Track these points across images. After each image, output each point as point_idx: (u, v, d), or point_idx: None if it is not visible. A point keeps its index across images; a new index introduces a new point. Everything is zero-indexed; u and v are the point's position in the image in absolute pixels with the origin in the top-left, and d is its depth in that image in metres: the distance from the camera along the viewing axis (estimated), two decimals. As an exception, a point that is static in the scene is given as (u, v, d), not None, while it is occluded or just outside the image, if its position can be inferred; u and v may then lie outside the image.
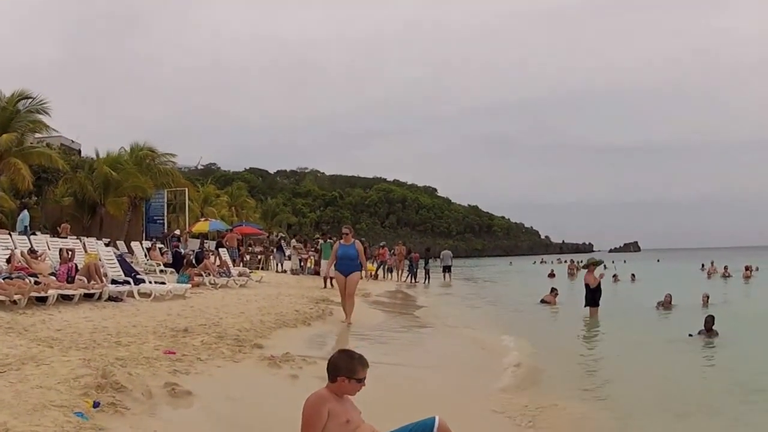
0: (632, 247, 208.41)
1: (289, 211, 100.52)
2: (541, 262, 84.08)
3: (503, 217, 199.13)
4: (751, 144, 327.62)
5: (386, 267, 35.75)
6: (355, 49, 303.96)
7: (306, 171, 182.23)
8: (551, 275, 44.62)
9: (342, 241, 15.47)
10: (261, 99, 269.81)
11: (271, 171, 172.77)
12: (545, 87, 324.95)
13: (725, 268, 42.46)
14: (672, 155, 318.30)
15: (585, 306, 18.82)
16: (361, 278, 16.08)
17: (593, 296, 18.55)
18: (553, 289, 23.13)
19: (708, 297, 21.47)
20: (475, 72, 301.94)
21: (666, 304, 20.52)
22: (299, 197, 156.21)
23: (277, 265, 34.61)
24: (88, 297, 14.33)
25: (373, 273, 34.82)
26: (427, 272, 36.77)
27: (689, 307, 20.79)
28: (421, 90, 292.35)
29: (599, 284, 18.49)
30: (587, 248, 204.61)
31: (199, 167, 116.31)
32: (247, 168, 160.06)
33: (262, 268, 33.30)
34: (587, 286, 18.65)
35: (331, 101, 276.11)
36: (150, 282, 17.29)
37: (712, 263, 46.75)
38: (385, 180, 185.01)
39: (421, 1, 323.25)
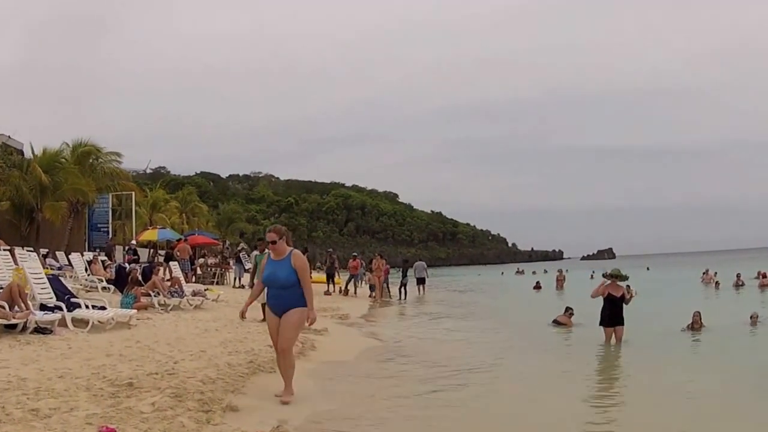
0: (607, 254, 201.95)
1: (243, 218, 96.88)
2: (517, 272, 79.78)
3: (468, 224, 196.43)
4: (731, 147, 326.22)
5: (356, 280, 32.51)
6: (315, 53, 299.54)
7: (260, 175, 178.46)
8: (537, 287, 42.16)
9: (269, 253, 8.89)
10: (213, 103, 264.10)
11: (223, 175, 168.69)
12: (512, 91, 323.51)
13: (738, 276, 38.95)
14: (643, 160, 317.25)
15: (600, 324, 15.54)
16: (308, 324, 8.89)
17: (612, 312, 15.32)
18: (567, 309, 19.88)
19: (757, 316, 18.67)
20: (438, 76, 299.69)
21: (695, 325, 17.59)
22: (253, 203, 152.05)
23: (235, 279, 31.42)
24: (9, 328, 11.45)
25: (343, 288, 31.72)
26: (404, 286, 33.70)
27: (724, 329, 18.12)
28: (382, 94, 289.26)
29: (623, 299, 15.39)
30: (557, 256, 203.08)
31: (148, 171, 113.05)
32: (198, 172, 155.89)
33: (218, 283, 30.10)
34: (610, 300, 15.33)
35: (287, 106, 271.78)
36: (87, 306, 14.11)
37: (707, 271, 43.81)
38: (343, 185, 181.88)
39: (386, 4, 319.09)
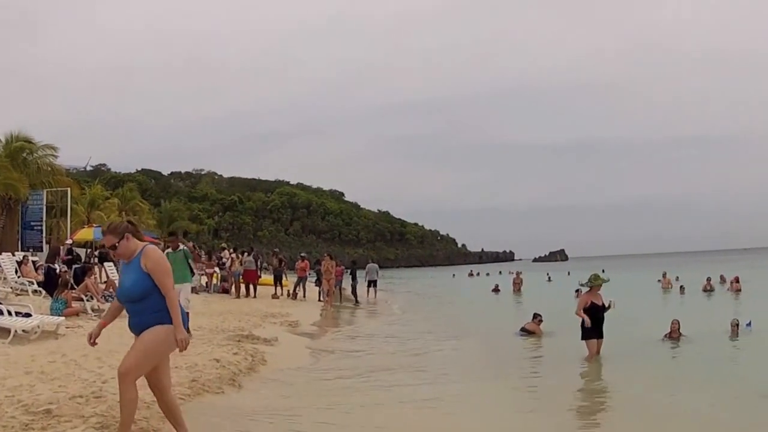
0: (559, 256, 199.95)
1: (185, 216, 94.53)
2: (470, 275, 78.60)
3: (417, 224, 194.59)
4: (684, 143, 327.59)
5: (305, 284, 31.02)
6: (258, 47, 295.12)
7: (202, 173, 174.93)
8: (495, 290, 41.00)
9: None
10: (156, 98, 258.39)
11: (165, 173, 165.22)
12: (458, 86, 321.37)
13: (708, 280, 37.00)
14: (596, 157, 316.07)
15: (583, 338, 14.04)
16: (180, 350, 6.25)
17: (597, 325, 13.89)
18: (536, 315, 18.56)
19: (738, 323, 17.35)
20: (384, 71, 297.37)
21: (674, 334, 16.39)
22: (195, 201, 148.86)
23: (176, 281, 29.85)
24: None
25: (292, 291, 30.17)
26: (354, 289, 32.47)
27: (704, 338, 16.90)
28: (327, 90, 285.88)
29: (605, 310, 13.98)
30: (508, 257, 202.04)
31: (88, 168, 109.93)
32: (140, 169, 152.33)
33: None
34: (593, 310, 13.84)
35: (231, 101, 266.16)
36: (10, 313, 12.66)
37: (665, 275, 41.54)
38: (288, 183, 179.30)
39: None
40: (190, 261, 14.99)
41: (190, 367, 10.30)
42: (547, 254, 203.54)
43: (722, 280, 38.26)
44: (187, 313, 7.09)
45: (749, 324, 17.63)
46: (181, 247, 15.16)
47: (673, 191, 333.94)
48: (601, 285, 14.12)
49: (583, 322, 13.86)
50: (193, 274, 15.97)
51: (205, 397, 8.94)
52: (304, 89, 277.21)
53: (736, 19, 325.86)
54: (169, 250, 14.77)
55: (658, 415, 9.43)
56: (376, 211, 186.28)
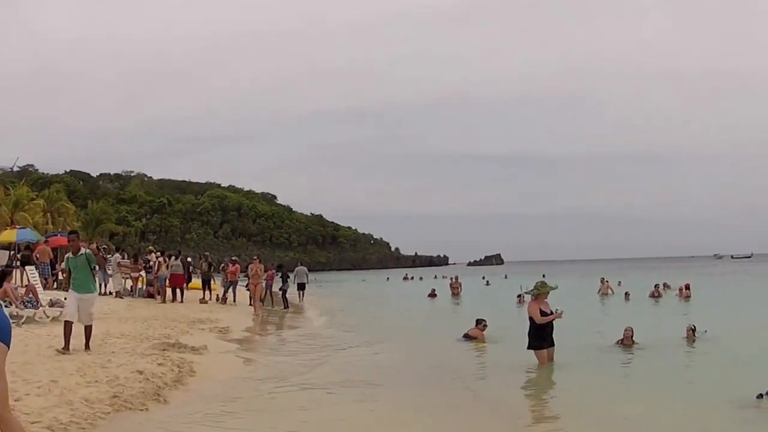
0: (495, 260, 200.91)
1: (113, 218, 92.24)
2: (405, 278, 78.08)
3: (350, 228, 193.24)
4: (620, 157, 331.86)
5: (235, 288, 30.07)
6: (188, 51, 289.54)
7: (132, 175, 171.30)
8: (432, 294, 40.15)
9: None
10: (86, 100, 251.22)
11: (94, 174, 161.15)
12: (396, 94, 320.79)
13: (665, 285, 37.19)
14: (528, 167, 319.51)
15: (529, 348, 13.47)
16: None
17: (542, 333, 13.39)
18: (479, 321, 18.07)
19: (694, 329, 17.20)
20: (320, 77, 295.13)
21: (626, 341, 16.03)
22: (124, 203, 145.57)
23: (100, 285, 28.69)
24: None
25: (221, 296, 29.30)
26: (284, 293, 31.57)
27: (659, 343, 16.71)
28: (261, 94, 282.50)
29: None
30: (442, 261, 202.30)
31: (15, 169, 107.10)
32: (68, 170, 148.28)
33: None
34: (533, 320, 13.36)
35: (162, 103, 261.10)
36: None
37: (603, 280, 40.08)
38: (219, 186, 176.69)
39: (263, 2, 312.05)
40: (93, 267, 13.09)
41: (110, 381, 9.60)
42: (482, 258, 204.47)
43: (666, 287, 37.80)
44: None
45: (706, 331, 17.43)
46: (83, 250, 13.11)
47: (614, 202, 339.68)
48: (548, 293, 13.64)
49: (529, 330, 13.43)
50: (96, 281, 14.16)
51: (127, 414, 8.29)
52: (236, 94, 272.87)
53: (686, 37, 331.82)
54: (69, 254, 13.05)
55: (611, 424, 9.17)
56: (308, 214, 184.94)
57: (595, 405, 10.33)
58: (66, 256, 13.16)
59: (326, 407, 10.06)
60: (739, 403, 9.73)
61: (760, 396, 9.64)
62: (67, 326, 12.05)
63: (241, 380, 11.99)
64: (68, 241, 13.93)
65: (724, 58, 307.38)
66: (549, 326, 13.44)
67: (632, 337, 16.08)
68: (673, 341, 16.99)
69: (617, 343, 16.10)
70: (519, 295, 27.87)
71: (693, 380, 12.55)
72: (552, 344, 13.49)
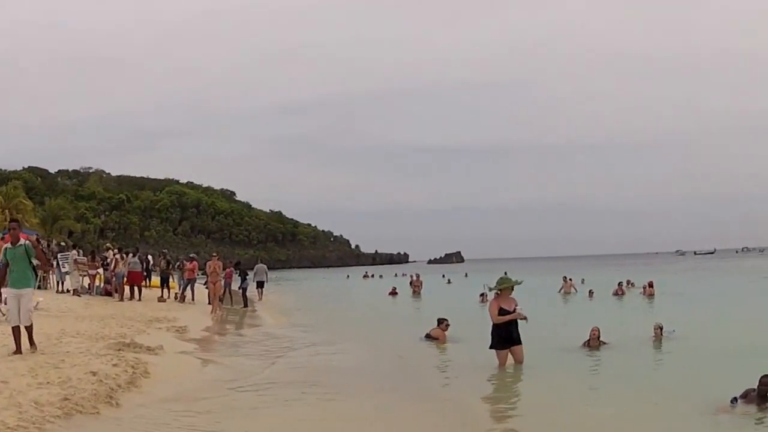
0: (455, 258, 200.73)
1: (71, 215, 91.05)
2: (365, 276, 77.88)
3: (309, 225, 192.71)
4: (577, 148, 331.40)
5: (194, 286, 29.60)
6: (146, 42, 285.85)
7: (90, 171, 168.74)
8: (393, 293, 40.31)
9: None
10: (44, 95, 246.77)
11: (53, 171, 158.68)
12: (353, 85, 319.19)
13: (629, 283, 36.99)
14: (490, 158, 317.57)
15: (491, 347, 13.10)
16: None
17: (502, 332, 12.94)
18: (441, 320, 17.70)
19: (662, 328, 16.94)
20: (276, 68, 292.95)
21: (593, 342, 15.74)
22: (82, 200, 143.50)
23: (58, 283, 28.18)
24: None
25: (180, 294, 28.75)
26: (244, 291, 31.20)
27: (627, 343, 16.52)
28: (218, 86, 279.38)
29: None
30: (402, 259, 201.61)
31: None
32: (26, 167, 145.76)
33: (39, 287, 26.71)
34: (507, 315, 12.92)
35: (119, 98, 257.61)
36: None
37: (566, 278, 39.16)
38: (177, 182, 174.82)
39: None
40: (32, 260, 12.20)
41: (62, 383, 9.34)
42: (442, 256, 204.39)
43: (630, 284, 37.80)
44: None
45: (674, 330, 17.39)
46: (23, 241, 12.42)
47: (574, 194, 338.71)
48: (511, 288, 13.26)
49: (492, 330, 13.05)
50: (36, 276, 13.18)
51: (77, 418, 8.05)
52: (193, 86, 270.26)
53: (630, 22, 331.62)
54: (8, 245, 12.12)
55: (574, 427, 9.14)
56: (268, 211, 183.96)
57: (558, 409, 10.17)
58: (4, 247, 12.28)
59: (285, 408, 9.94)
60: (713, 408, 9.61)
61: (734, 401, 9.52)
62: (15, 330, 11.73)
63: (197, 381, 11.80)
64: (9, 229, 12.93)
65: (668, 40, 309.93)
66: (512, 325, 13.00)
67: (599, 337, 15.86)
68: (641, 341, 16.91)
69: (584, 344, 15.87)
70: (482, 294, 27.68)
71: (664, 383, 12.19)
72: (516, 343, 13.06)
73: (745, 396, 9.43)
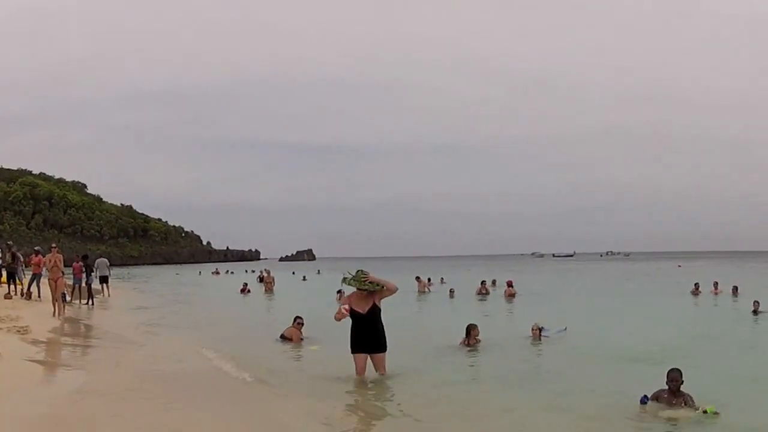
0: (306, 255, 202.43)
1: None
2: (214, 273, 78.73)
3: (160, 220, 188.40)
4: (431, 148, 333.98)
5: (39, 281, 27.68)
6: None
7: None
8: (244, 290, 39.67)
9: None
10: None
11: None
12: (203, 76, 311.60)
13: (482, 283, 36.25)
14: (343, 156, 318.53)
15: (354, 352, 11.74)
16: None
17: (355, 333, 11.74)
18: (296, 318, 17.24)
19: (540, 328, 16.93)
20: (130, 55, 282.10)
21: (471, 341, 15.49)
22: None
23: None
24: None
25: (26, 290, 26.73)
26: (89, 288, 29.33)
27: (506, 344, 16.38)
28: (70, 72, 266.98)
29: (376, 313, 11.74)
30: (254, 256, 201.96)
31: None
32: None
33: None
34: (355, 317, 11.63)
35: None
36: None
37: (419, 278, 39.50)
38: (30, 173, 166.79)
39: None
40: None
41: None
42: (294, 253, 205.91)
43: (493, 284, 38.58)
44: None
45: (566, 328, 17.90)
46: None
47: (434, 192, 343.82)
48: (360, 286, 11.86)
49: (351, 330, 11.84)
50: None
51: None
52: (42, 72, 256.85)
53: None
54: None
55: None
56: (119, 205, 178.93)
57: (431, 412, 9.88)
58: None
59: (136, 415, 9.13)
60: (623, 408, 9.52)
61: (645, 400, 9.36)
62: None
63: (39, 391, 10.71)
64: None
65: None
66: (366, 327, 11.65)
67: (477, 335, 15.75)
68: (519, 340, 16.82)
69: (462, 342, 15.60)
70: (339, 291, 26.95)
71: (569, 386, 11.63)
72: (375, 350, 11.78)
73: (657, 398, 9.36)
